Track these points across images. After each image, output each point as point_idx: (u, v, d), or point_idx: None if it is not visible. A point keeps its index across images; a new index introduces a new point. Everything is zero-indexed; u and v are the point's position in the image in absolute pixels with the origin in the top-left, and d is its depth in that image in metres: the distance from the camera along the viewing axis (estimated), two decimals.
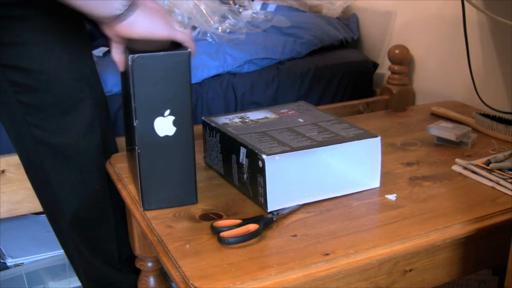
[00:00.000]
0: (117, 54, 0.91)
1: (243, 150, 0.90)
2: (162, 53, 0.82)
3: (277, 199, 0.87)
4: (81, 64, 1.10)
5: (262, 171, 0.86)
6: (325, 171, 0.91)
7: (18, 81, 1.04)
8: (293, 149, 0.88)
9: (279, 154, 0.86)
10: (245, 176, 0.91)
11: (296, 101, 1.15)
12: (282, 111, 1.07)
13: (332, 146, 0.90)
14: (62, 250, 1.49)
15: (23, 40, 1.02)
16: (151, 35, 0.86)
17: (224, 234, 0.79)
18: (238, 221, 0.83)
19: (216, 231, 0.81)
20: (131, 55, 0.81)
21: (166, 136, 0.85)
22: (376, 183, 0.96)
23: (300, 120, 1.02)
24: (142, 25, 0.85)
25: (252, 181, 0.89)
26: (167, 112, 0.84)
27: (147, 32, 0.86)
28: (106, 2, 0.83)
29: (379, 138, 0.93)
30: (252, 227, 0.81)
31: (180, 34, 0.87)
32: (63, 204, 1.14)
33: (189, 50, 0.85)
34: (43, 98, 1.06)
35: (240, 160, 0.91)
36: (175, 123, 0.85)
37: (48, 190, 1.14)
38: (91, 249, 1.19)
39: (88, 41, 1.17)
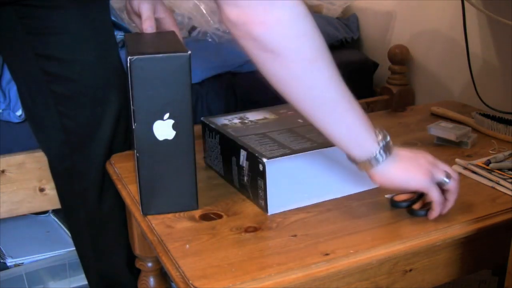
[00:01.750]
0: None
1: (243, 153, 0.90)
2: (161, 55, 0.81)
3: (277, 202, 0.87)
4: (110, 54, 1.11)
5: (262, 174, 0.85)
6: (326, 173, 0.91)
7: (51, 71, 1.05)
8: (293, 152, 0.87)
9: (279, 157, 0.86)
10: (245, 178, 0.91)
11: None
12: (282, 111, 1.07)
13: (333, 147, 0.90)
14: (62, 250, 1.50)
15: (56, 29, 1.03)
16: (404, 185, 0.83)
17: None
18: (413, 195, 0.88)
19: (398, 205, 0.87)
20: (129, 57, 0.79)
21: (166, 140, 0.84)
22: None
23: (299, 120, 1.02)
24: (396, 175, 0.82)
25: (253, 184, 0.89)
26: (167, 115, 0.82)
27: (401, 182, 0.83)
28: (363, 142, 0.80)
29: None
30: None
31: (435, 193, 0.82)
32: (87, 195, 1.14)
33: (189, 52, 0.82)
34: (76, 88, 1.07)
35: (241, 163, 0.91)
36: (174, 126, 0.83)
37: (73, 180, 1.14)
38: (108, 245, 1.19)
39: (113, 32, 1.18)
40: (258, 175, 0.86)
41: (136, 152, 0.84)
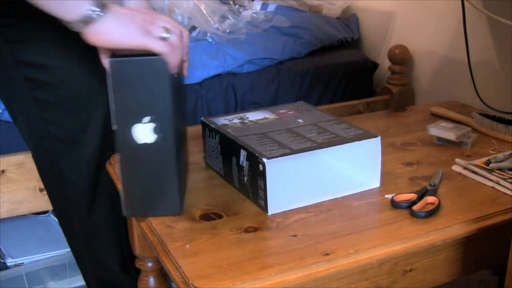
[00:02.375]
0: (105, 60, 0.86)
1: (243, 153, 0.90)
2: (136, 58, 0.80)
3: (277, 202, 0.87)
4: (94, 60, 1.10)
5: (262, 174, 0.85)
6: (326, 173, 0.91)
7: (34, 78, 1.04)
8: (293, 152, 0.87)
9: (279, 157, 0.86)
10: (245, 178, 0.91)
11: (295, 102, 1.14)
12: (282, 111, 1.07)
13: (332, 147, 0.90)
14: (62, 250, 1.50)
15: (38, 37, 1.02)
16: (124, 44, 0.80)
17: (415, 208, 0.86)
18: (414, 195, 0.90)
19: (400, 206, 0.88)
20: (109, 59, 0.80)
21: (145, 144, 0.83)
22: (376, 183, 0.96)
23: (299, 120, 1.02)
24: (113, 33, 0.79)
25: (253, 184, 0.89)
26: (146, 119, 0.82)
27: (120, 41, 0.80)
28: (71, 2, 0.77)
29: (379, 138, 0.94)
30: (431, 199, 0.89)
31: (158, 45, 0.80)
32: (78, 201, 1.14)
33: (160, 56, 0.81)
34: (60, 94, 1.06)
35: (241, 163, 0.91)
36: (156, 130, 0.82)
37: (62, 186, 1.14)
38: (101, 248, 1.19)
39: None
40: (258, 175, 0.86)
41: (118, 154, 0.84)
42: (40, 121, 1.07)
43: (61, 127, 1.08)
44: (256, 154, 0.86)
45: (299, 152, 0.88)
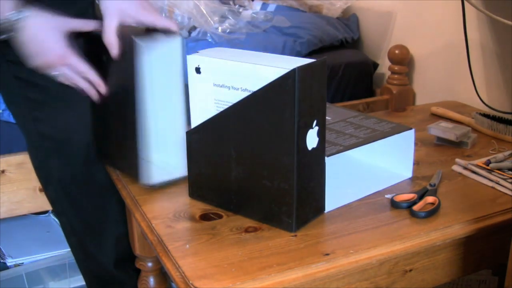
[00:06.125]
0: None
1: None
2: (308, 63, 0.76)
3: (332, 198, 0.88)
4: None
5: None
6: (370, 167, 0.93)
7: (23, 77, 1.04)
8: (346, 148, 0.88)
9: (336, 154, 0.86)
10: None
11: None
12: None
13: (378, 141, 0.92)
14: (62, 250, 1.50)
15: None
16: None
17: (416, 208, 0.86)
18: (414, 195, 0.90)
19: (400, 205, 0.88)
20: (289, 68, 0.74)
21: (313, 149, 0.80)
22: (409, 173, 0.98)
23: (327, 118, 1.02)
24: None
25: None
26: (315, 123, 0.79)
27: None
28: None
29: (413, 130, 0.96)
30: (431, 199, 0.89)
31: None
32: (68, 200, 1.14)
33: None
34: (49, 93, 1.06)
35: None
36: (318, 134, 0.80)
37: (52, 185, 1.14)
38: (95, 247, 1.19)
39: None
40: None
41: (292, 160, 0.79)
42: (30, 119, 1.08)
43: (51, 125, 1.08)
44: None
45: (351, 148, 0.89)
